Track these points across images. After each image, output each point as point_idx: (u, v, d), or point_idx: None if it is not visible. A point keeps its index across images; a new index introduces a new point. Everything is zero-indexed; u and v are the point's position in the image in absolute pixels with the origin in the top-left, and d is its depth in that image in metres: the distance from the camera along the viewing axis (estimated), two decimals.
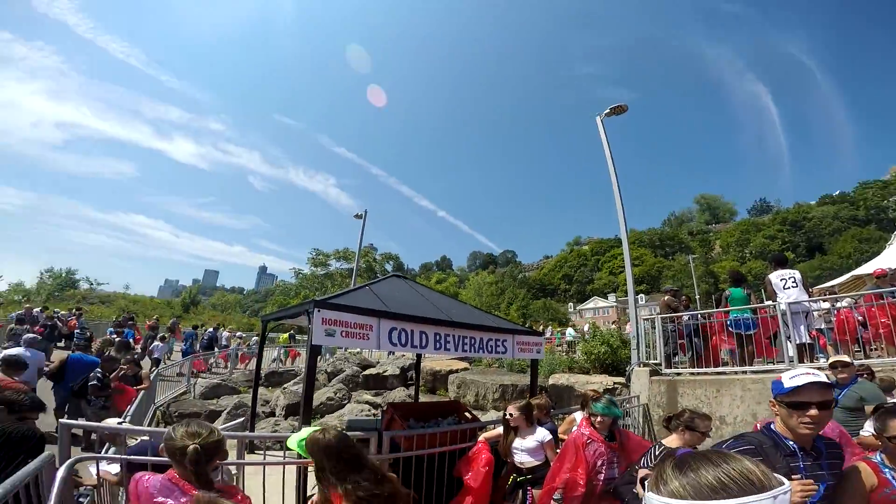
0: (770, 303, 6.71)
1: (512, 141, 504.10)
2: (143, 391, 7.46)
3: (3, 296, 31.48)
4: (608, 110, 11.13)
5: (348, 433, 3.23)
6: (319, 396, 10.80)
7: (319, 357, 10.78)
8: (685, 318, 7.65)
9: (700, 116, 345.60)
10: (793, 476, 1.73)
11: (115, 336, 12.89)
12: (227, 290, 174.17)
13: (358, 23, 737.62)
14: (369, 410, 9.94)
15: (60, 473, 2.48)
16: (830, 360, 4.76)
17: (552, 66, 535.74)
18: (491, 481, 4.07)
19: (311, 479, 2.40)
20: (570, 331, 21.55)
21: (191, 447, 2.02)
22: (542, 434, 3.94)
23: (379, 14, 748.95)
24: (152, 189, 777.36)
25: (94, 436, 4.01)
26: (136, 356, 8.97)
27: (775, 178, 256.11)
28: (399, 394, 11.66)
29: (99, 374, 6.59)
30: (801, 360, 6.08)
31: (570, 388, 9.21)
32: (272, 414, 10.60)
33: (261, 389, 10.70)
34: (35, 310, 16.56)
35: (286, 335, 21.84)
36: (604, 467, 3.54)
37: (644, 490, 0.89)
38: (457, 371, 12.59)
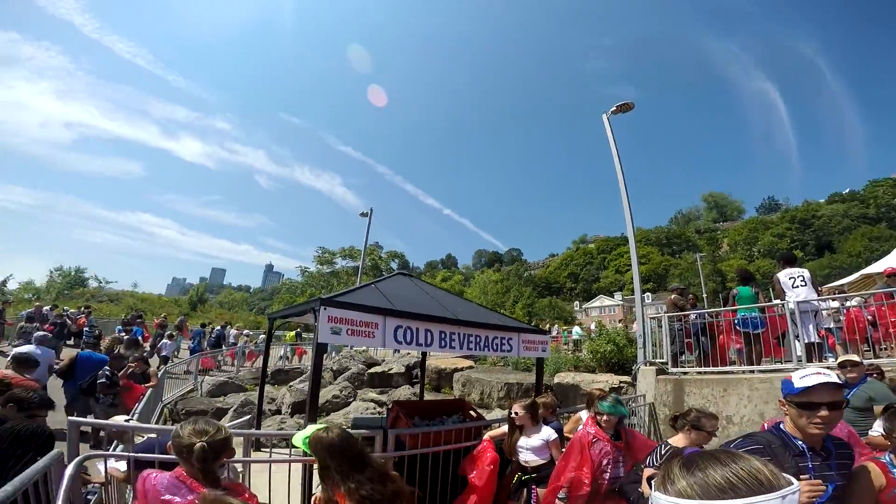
0: (778, 302, 6.63)
1: (518, 139, 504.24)
2: (151, 389, 7.52)
3: (14, 294, 31.82)
4: (614, 108, 11.00)
5: (353, 431, 3.25)
6: (325, 394, 10.83)
7: (325, 355, 10.87)
8: (692, 316, 7.60)
9: (708, 114, 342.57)
10: (801, 476, 1.72)
11: (123, 334, 13.00)
12: (234, 288, 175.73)
13: (363, 21, 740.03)
14: (374, 408, 9.94)
15: (69, 471, 2.49)
16: (840, 359, 4.70)
17: (557, 63, 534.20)
18: (496, 480, 4.07)
19: (317, 476, 2.41)
20: (576, 329, 21.47)
21: (198, 445, 2.03)
22: (547, 433, 3.93)
23: (384, 13, 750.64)
24: (160, 188, 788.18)
25: (102, 433, 4.04)
26: (144, 354, 9.03)
27: (784, 176, 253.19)
28: (404, 392, 11.67)
29: (108, 372, 6.63)
30: (809, 360, 6.01)
31: (576, 387, 9.17)
32: (278, 412, 10.64)
33: (267, 387, 10.77)
34: (45, 308, 16.82)
35: (293, 333, 21.99)
36: (609, 466, 3.52)
37: (650, 489, 0.89)
38: (462, 369, 12.56)
